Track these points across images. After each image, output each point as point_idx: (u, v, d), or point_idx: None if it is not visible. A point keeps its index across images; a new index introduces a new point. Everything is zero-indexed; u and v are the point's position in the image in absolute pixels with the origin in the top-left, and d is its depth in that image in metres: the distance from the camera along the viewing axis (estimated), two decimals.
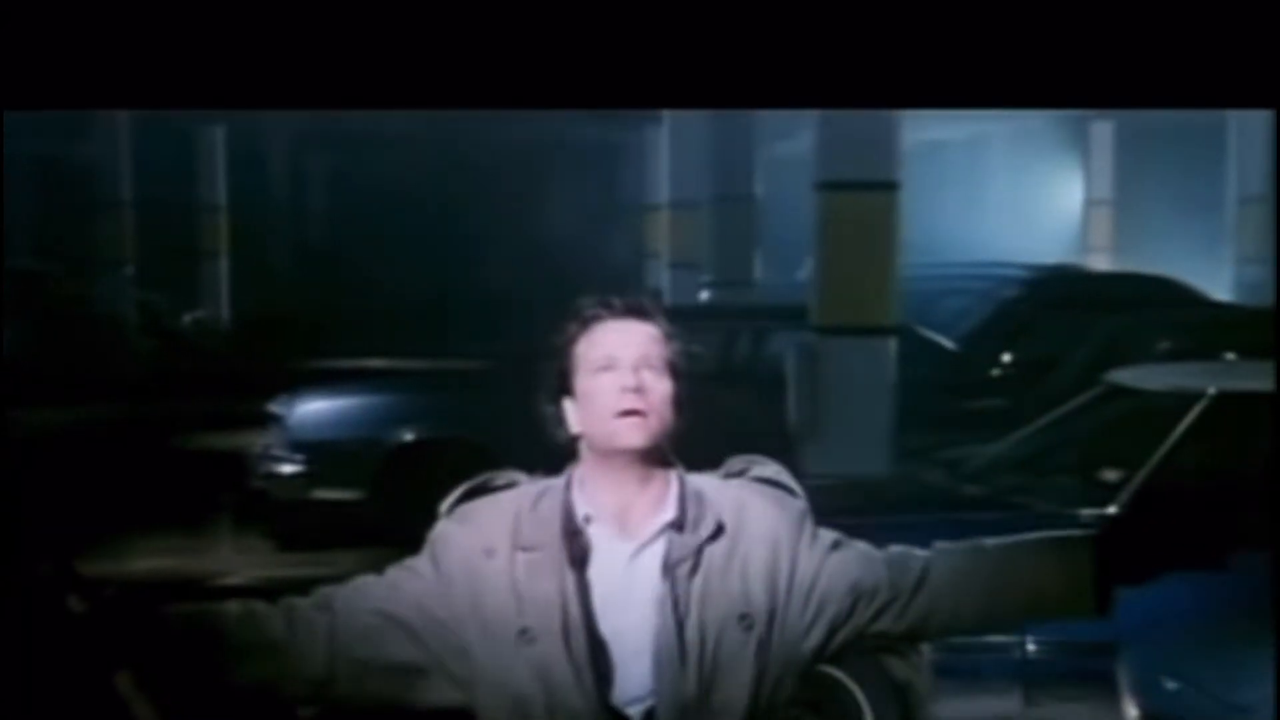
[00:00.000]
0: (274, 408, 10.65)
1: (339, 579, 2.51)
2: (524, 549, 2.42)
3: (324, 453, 10.19)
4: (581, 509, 2.45)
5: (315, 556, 9.19)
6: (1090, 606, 2.47)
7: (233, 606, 2.45)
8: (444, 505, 2.50)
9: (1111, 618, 2.48)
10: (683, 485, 2.47)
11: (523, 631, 2.38)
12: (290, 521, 10.35)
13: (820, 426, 9.20)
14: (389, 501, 9.70)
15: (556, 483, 2.49)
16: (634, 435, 2.42)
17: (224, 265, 23.17)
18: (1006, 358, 11.63)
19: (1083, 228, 22.81)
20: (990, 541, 2.54)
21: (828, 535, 2.51)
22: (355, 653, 2.43)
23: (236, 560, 9.70)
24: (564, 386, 2.50)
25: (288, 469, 10.24)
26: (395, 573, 2.50)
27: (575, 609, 2.38)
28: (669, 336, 2.50)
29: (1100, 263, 20.61)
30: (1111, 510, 5.47)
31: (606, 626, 2.40)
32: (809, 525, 2.49)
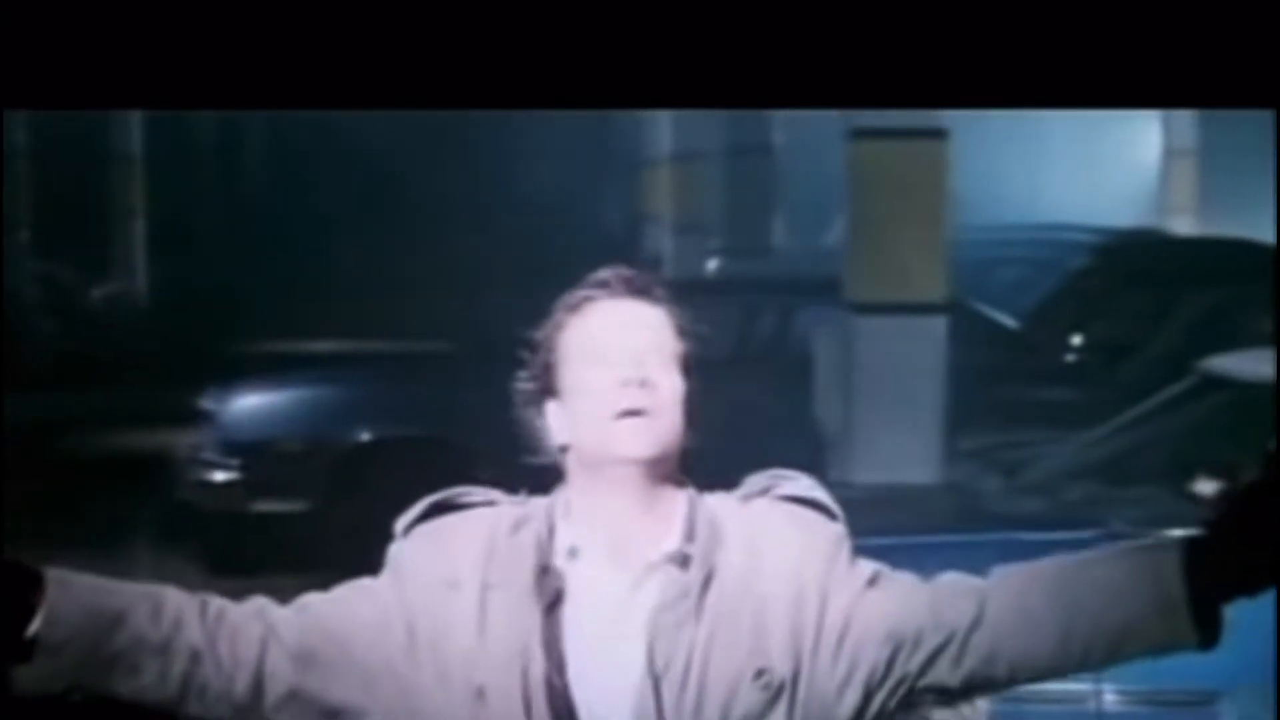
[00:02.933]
0: (203, 402, 10.64)
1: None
2: (493, 585, 2.35)
3: (264, 456, 10.20)
4: (566, 539, 2.37)
5: (254, 582, 8.98)
6: (1190, 632, 2.36)
7: (132, 588, 2.36)
8: (400, 523, 2.43)
9: (1216, 655, 2.38)
10: (693, 509, 2.39)
11: (479, 691, 2.31)
12: (224, 539, 10.35)
13: (854, 423, 9.20)
14: (342, 515, 9.71)
15: (542, 505, 2.42)
16: (637, 441, 2.33)
17: (140, 228, 23.07)
18: (1076, 340, 11.66)
19: (1162, 183, 22.79)
20: (1058, 559, 2.44)
21: (866, 568, 2.42)
22: (288, 680, 2.36)
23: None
24: (547, 386, 2.42)
25: (221, 476, 10.25)
26: (348, 593, 2.43)
27: (539, 666, 2.30)
28: (680, 328, 2.43)
29: (1184, 225, 20.57)
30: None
31: (591, 688, 2.31)
32: (845, 555, 2.41)
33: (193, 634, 2.35)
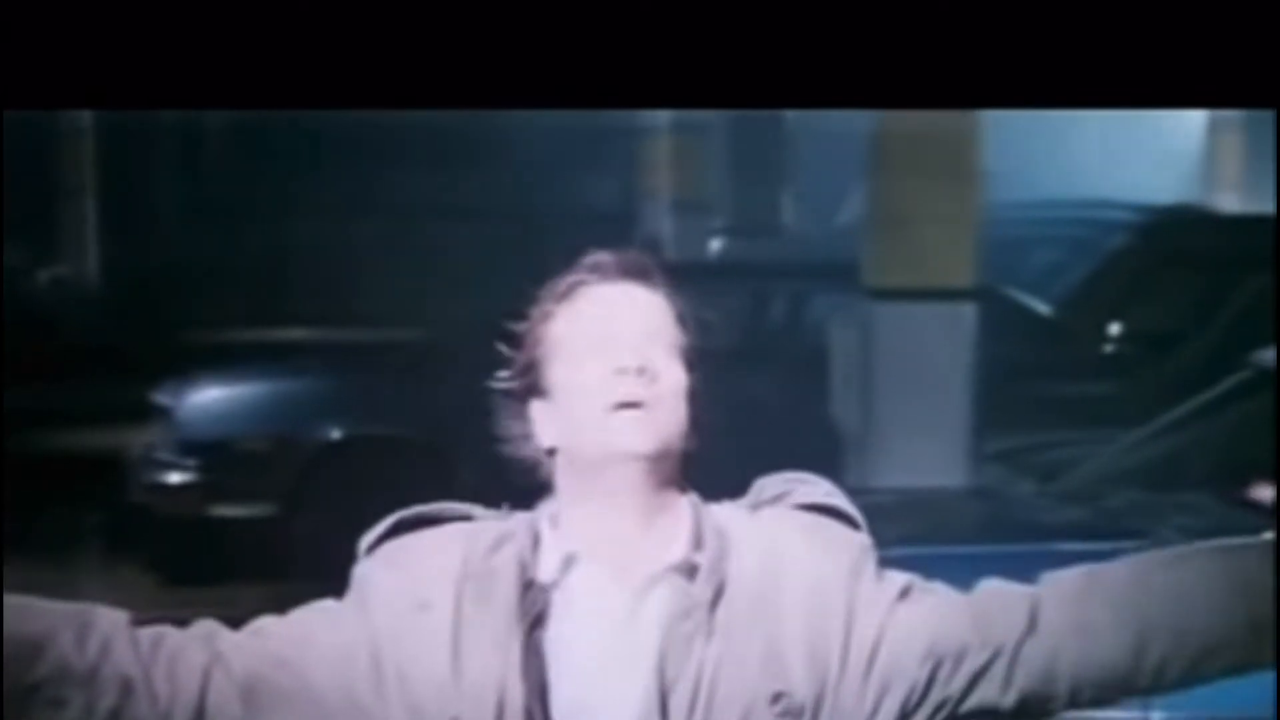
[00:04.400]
0: (159, 397, 10.68)
1: (243, 622, 2.42)
2: (469, 607, 2.32)
3: (224, 456, 10.24)
4: (556, 553, 2.35)
5: (213, 593, 9.19)
6: (1273, 646, 2.35)
7: (57, 608, 2.34)
8: (364, 542, 2.41)
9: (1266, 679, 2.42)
10: (699, 517, 2.37)
11: None
12: (180, 546, 10.37)
13: (873, 422, 9.21)
14: (310, 520, 9.74)
15: (525, 520, 2.40)
16: (637, 435, 2.31)
17: (91, 207, 23.12)
18: (1116, 329, 11.70)
19: (1207, 157, 22.84)
20: (1120, 562, 2.43)
21: (896, 580, 2.39)
22: (233, 717, 2.33)
23: (109, 599, 9.60)
24: (533, 384, 2.40)
25: (177, 478, 10.28)
26: (306, 617, 2.41)
27: (518, 694, 2.28)
28: (680, 316, 2.41)
29: (1231, 202, 20.63)
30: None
31: (586, 714, 2.30)
32: (871, 567, 2.38)
33: (124, 661, 2.31)
